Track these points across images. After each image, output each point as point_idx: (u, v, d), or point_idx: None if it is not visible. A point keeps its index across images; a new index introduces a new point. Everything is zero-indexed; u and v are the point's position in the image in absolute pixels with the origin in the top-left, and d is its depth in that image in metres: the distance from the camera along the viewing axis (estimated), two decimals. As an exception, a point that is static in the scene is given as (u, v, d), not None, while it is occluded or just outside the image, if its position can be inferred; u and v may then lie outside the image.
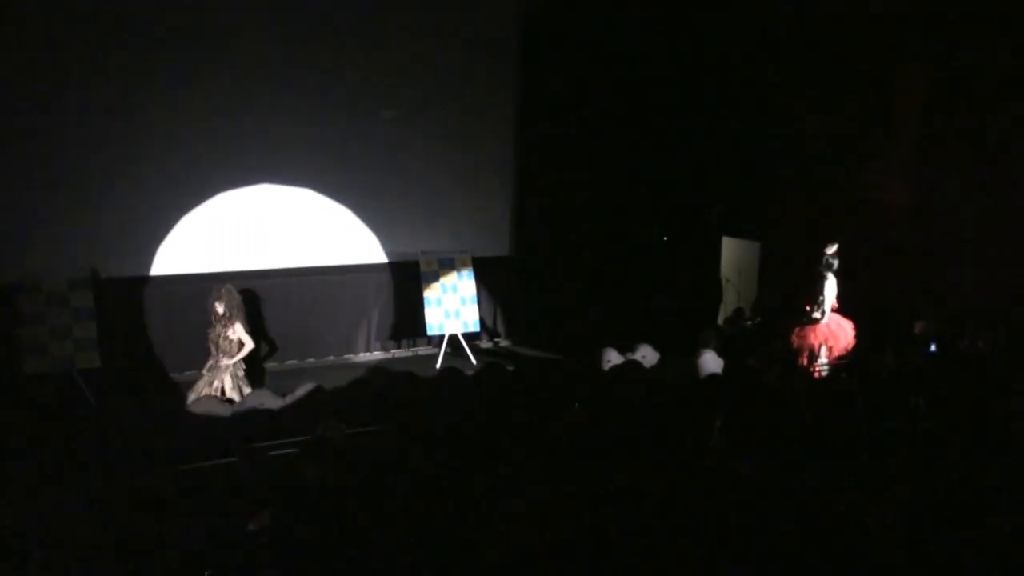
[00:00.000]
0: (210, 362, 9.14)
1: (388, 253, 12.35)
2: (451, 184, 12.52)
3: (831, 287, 9.77)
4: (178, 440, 6.87)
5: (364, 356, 12.47)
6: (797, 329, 10.05)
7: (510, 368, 9.62)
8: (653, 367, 9.57)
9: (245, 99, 10.90)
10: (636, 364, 9.06)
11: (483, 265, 12.71)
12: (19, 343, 9.72)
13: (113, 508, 4.78)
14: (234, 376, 9.08)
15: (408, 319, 12.49)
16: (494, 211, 13.21)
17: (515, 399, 7.34)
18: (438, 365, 11.60)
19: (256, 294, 11.35)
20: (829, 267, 9.75)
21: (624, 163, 13.39)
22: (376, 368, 11.47)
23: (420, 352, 12.78)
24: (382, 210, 12.18)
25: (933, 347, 8.94)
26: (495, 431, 6.12)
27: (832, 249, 9.80)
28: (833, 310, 9.87)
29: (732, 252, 13.76)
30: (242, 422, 7.50)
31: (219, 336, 9.06)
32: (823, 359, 9.75)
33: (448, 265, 12.30)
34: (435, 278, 12.17)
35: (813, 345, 9.85)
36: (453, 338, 12.27)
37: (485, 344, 13.30)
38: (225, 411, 7.77)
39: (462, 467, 5.25)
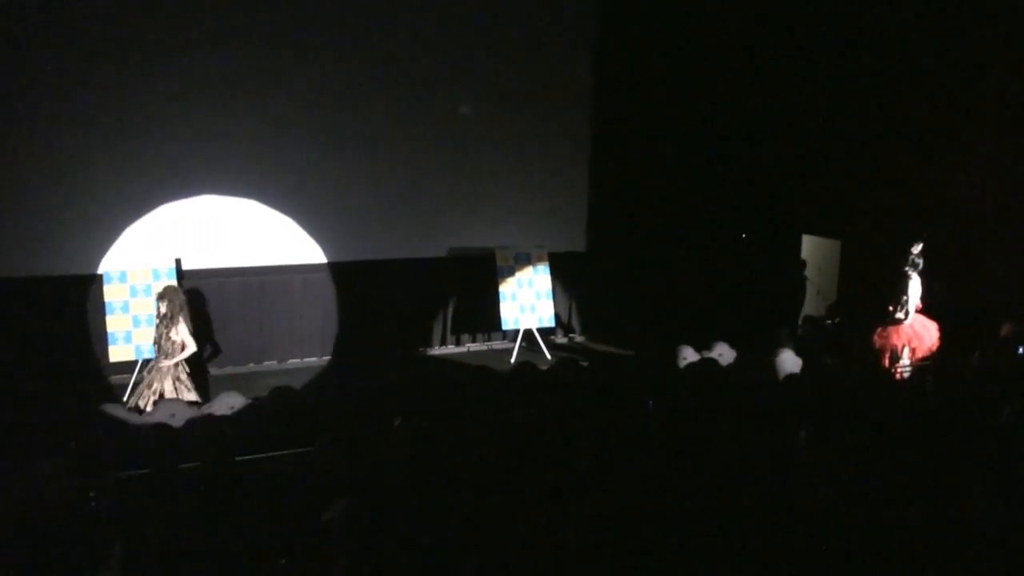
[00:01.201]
0: (152, 363, 9.02)
1: (463, 248, 12.41)
2: (527, 179, 12.57)
3: (915, 287, 9.54)
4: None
5: (439, 350, 12.55)
6: (879, 329, 9.84)
7: (585, 364, 9.58)
8: (730, 365, 9.44)
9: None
10: (712, 362, 8.94)
11: (558, 260, 12.70)
12: (104, 331, 10.04)
13: (188, 498, 4.86)
14: (175, 379, 8.82)
15: (483, 313, 12.52)
16: (570, 207, 13.19)
17: (589, 395, 7.28)
18: (512, 359, 11.66)
19: (327, 287, 11.70)
20: (914, 266, 9.53)
21: (702, 158, 13.26)
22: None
23: (495, 347, 12.84)
24: (457, 205, 12.26)
25: (1021, 350, 8.67)
26: (568, 426, 6.09)
27: (917, 248, 9.58)
28: (917, 311, 9.64)
29: (812, 250, 13.52)
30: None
31: (161, 336, 8.82)
32: (906, 360, 9.53)
33: (524, 260, 12.31)
34: (511, 273, 12.19)
35: (896, 346, 9.63)
36: (528, 333, 12.29)
37: (560, 339, 13.29)
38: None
39: (533, 463, 5.23)
